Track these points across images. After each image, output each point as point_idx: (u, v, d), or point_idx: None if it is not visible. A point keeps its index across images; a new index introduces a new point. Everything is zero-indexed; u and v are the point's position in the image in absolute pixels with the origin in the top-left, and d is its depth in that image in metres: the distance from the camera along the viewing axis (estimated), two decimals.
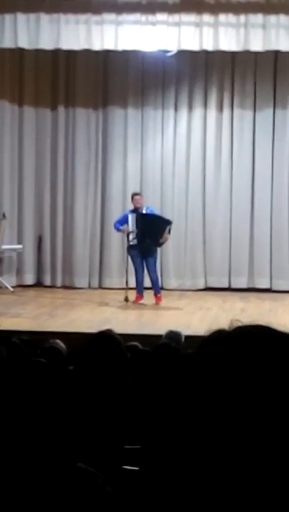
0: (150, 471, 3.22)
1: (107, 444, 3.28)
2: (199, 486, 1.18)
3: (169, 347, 5.39)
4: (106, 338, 3.64)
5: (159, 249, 13.73)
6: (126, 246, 13.57)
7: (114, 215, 14.98)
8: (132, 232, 13.21)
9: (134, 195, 13.69)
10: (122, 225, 13.38)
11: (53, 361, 5.73)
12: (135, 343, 6.73)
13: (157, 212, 14.13)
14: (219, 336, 1.21)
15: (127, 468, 3.30)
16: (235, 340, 1.20)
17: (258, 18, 12.78)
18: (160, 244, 13.49)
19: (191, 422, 1.20)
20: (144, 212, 13.48)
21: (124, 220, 13.40)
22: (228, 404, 1.17)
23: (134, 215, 13.30)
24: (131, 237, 13.25)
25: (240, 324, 1.22)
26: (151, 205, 14.09)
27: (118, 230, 13.52)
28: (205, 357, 1.20)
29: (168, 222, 13.33)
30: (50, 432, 2.03)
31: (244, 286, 15.22)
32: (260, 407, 1.16)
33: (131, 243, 13.27)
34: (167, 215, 14.08)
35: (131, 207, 13.90)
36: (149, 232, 13.11)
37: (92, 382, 3.34)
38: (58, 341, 6.89)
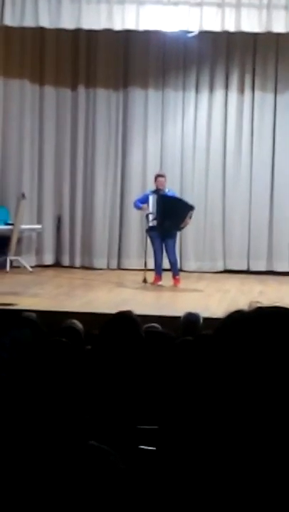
0: (166, 450, 3.23)
1: (122, 423, 3.29)
2: (216, 467, 1.18)
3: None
4: (125, 319, 3.63)
5: (178, 232, 13.69)
6: (145, 227, 13.55)
7: (134, 196, 14.95)
8: (152, 213, 13.17)
9: (157, 176, 13.61)
10: (142, 203, 13.34)
11: (70, 341, 5.74)
12: (155, 324, 6.73)
13: (178, 195, 14.07)
14: (238, 317, 1.20)
15: (143, 448, 3.30)
16: (254, 320, 1.19)
17: None
18: (180, 228, 13.44)
19: (209, 401, 1.19)
20: (165, 193, 13.41)
21: (144, 200, 13.35)
22: (247, 384, 1.16)
23: (155, 196, 13.23)
24: (151, 217, 13.21)
25: (259, 305, 1.21)
26: (172, 188, 14.01)
27: (138, 208, 13.47)
28: (224, 337, 1.19)
29: (191, 208, 13.24)
30: (64, 410, 2.04)
31: (263, 269, 15.19)
32: (278, 387, 1.15)
33: (150, 224, 13.23)
34: (187, 197, 14.02)
35: (150, 188, 13.85)
36: (170, 214, 13.04)
37: (109, 362, 3.34)
38: (76, 321, 6.89)
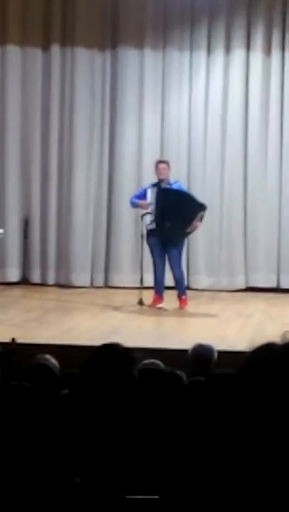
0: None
1: (109, 491, 3.30)
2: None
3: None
4: (112, 354, 3.62)
5: (185, 239, 13.69)
6: (141, 231, 13.54)
7: (126, 192, 14.99)
8: (150, 212, 13.15)
9: (158, 162, 13.61)
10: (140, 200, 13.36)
11: (42, 383, 5.74)
12: (155, 361, 6.74)
13: (186, 190, 14.03)
14: (268, 352, 1.19)
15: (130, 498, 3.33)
16: (288, 357, 1.17)
17: None
18: (186, 234, 13.43)
19: (229, 464, 1.19)
20: (169, 186, 13.39)
21: (142, 195, 13.37)
22: (279, 441, 1.14)
23: (155, 189, 13.24)
24: (148, 219, 13.20)
25: None
26: (180, 180, 13.99)
27: (135, 205, 13.47)
28: (249, 378, 1.17)
29: (201, 207, 13.26)
30: (42, 460, 2.06)
31: None
32: None
33: (149, 227, 13.23)
34: (196, 195, 14.00)
35: (147, 182, 13.87)
36: (173, 214, 13.04)
37: (92, 411, 3.34)
38: (50, 357, 6.91)
